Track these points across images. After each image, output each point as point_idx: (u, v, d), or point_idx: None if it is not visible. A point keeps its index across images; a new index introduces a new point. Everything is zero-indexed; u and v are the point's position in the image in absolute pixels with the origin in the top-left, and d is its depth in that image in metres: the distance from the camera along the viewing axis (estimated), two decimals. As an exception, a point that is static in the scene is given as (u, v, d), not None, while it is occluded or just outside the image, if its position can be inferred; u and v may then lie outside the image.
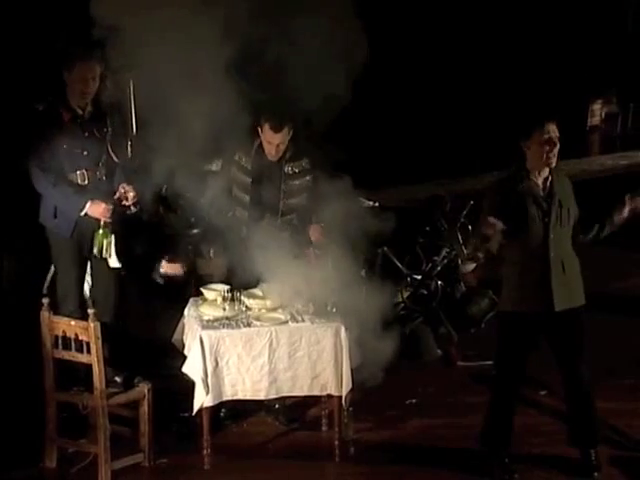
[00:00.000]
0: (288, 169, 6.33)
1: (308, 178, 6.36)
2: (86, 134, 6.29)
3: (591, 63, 12.72)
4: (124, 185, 6.32)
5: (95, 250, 6.25)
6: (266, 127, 6.24)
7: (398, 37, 11.67)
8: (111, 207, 6.24)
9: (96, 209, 6.23)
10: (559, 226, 5.65)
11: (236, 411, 6.38)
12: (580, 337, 5.77)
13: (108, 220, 6.24)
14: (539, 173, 5.66)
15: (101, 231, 6.22)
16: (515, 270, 5.74)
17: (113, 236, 6.26)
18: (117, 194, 6.31)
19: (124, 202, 6.31)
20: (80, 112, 6.26)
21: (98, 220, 6.24)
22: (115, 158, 6.41)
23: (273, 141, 6.26)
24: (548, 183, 5.67)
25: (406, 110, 11.28)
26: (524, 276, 5.69)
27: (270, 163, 6.33)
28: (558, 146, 5.63)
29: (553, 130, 5.62)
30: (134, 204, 6.33)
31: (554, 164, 5.65)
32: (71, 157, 6.27)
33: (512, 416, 5.86)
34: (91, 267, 6.51)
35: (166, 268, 6.81)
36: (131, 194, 6.30)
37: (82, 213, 6.24)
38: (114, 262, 6.30)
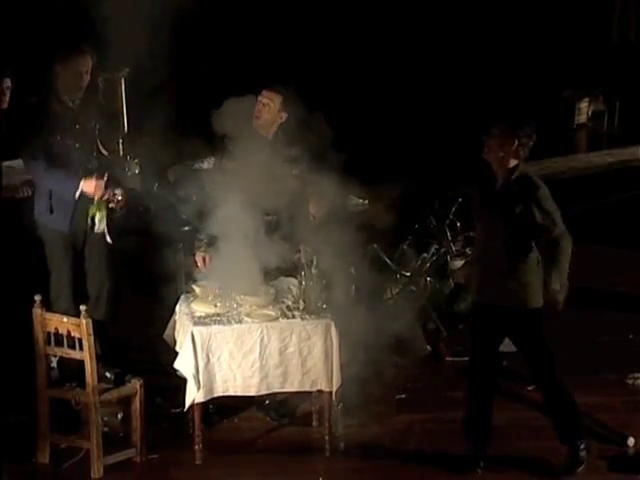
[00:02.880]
0: (278, 152, 6.30)
1: (299, 166, 6.31)
2: (77, 126, 6.31)
3: (578, 63, 12.76)
4: (115, 190, 6.32)
5: (89, 221, 6.22)
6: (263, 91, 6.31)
7: (389, 39, 11.70)
8: (102, 182, 6.21)
9: (89, 185, 6.21)
10: (501, 225, 5.61)
11: (226, 407, 6.38)
12: (532, 340, 5.74)
13: (103, 197, 6.22)
14: (498, 172, 5.65)
15: (95, 204, 6.20)
16: (474, 263, 5.89)
17: (105, 211, 6.24)
18: (105, 196, 6.31)
19: (111, 205, 6.32)
20: (70, 104, 6.28)
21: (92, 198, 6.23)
22: (104, 151, 6.41)
23: (262, 99, 6.28)
24: (504, 183, 5.63)
25: (395, 109, 11.29)
26: (475, 270, 5.82)
27: (260, 144, 6.27)
28: (496, 154, 5.58)
29: (490, 140, 5.60)
30: (121, 207, 6.34)
31: (490, 160, 5.62)
32: (64, 149, 6.27)
33: (487, 410, 5.86)
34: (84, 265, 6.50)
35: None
36: (119, 197, 6.30)
37: (78, 193, 6.23)
38: (107, 236, 6.29)
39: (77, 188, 6.22)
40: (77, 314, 5.82)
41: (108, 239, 6.31)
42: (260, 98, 6.32)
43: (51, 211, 6.33)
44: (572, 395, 5.84)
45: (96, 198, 6.21)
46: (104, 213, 6.23)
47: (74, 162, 6.28)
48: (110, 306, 6.51)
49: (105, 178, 6.22)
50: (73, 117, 6.29)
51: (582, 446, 5.84)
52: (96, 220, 6.22)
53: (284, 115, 6.33)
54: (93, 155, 6.36)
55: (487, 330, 5.80)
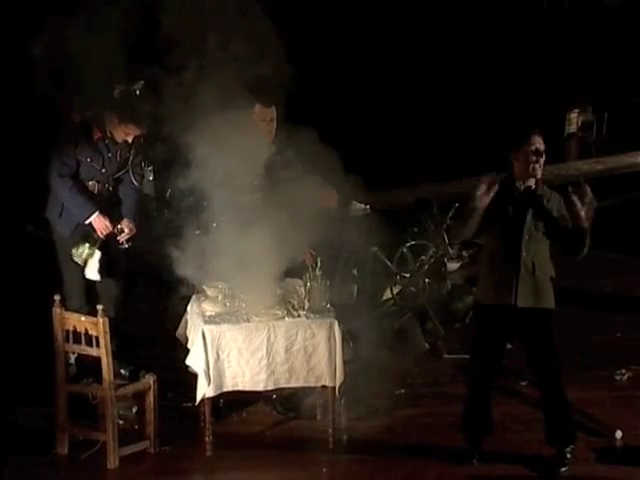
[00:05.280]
0: (277, 157, 6.25)
1: (298, 167, 6.28)
2: (109, 154, 6.32)
3: (569, 75, 12.78)
4: (124, 222, 6.39)
5: (73, 251, 6.24)
6: (257, 107, 6.23)
7: (383, 45, 11.70)
8: (110, 226, 6.28)
9: (99, 223, 6.27)
10: (534, 229, 5.62)
11: (235, 401, 6.38)
12: (547, 339, 5.70)
13: (102, 236, 6.26)
14: (524, 182, 5.65)
15: (87, 244, 6.23)
16: (489, 266, 5.76)
17: (99, 252, 6.27)
18: (115, 229, 6.36)
19: (118, 237, 6.37)
20: (109, 135, 6.29)
21: (100, 234, 6.27)
22: (135, 182, 6.45)
23: (266, 117, 6.25)
24: (531, 189, 5.67)
25: (394, 117, 11.29)
26: (495, 272, 5.71)
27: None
28: (544, 157, 5.63)
29: (539, 142, 5.62)
30: (126, 241, 6.38)
31: (539, 175, 5.64)
32: (90, 170, 6.32)
33: (487, 404, 5.84)
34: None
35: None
36: (126, 231, 6.37)
37: (87, 222, 6.27)
38: (92, 274, 6.32)
39: (88, 217, 6.26)
40: (89, 312, 5.84)
41: (95, 276, 6.32)
42: (265, 115, 6.27)
43: (60, 215, 6.36)
44: (567, 401, 5.79)
45: (96, 236, 6.25)
46: (93, 252, 6.24)
47: (93, 181, 6.32)
48: (120, 305, 6.51)
49: (111, 226, 6.29)
50: (108, 146, 6.31)
51: (569, 449, 5.81)
52: (80, 257, 6.24)
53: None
54: (114, 179, 6.39)
55: (498, 331, 5.73)
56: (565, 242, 5.63)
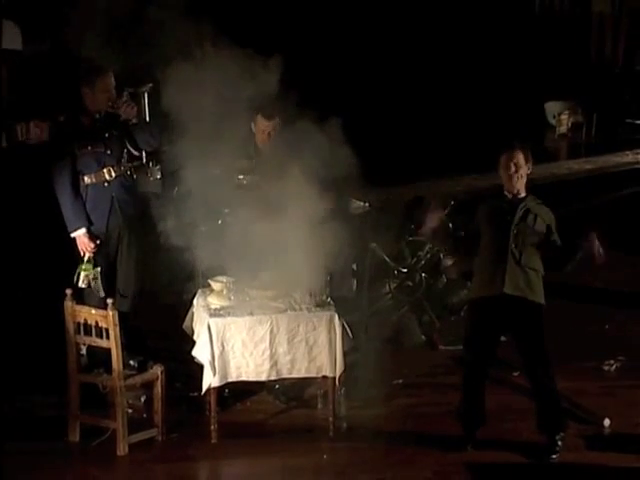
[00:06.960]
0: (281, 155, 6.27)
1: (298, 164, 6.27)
2: (106, 134, 6.30)
3: (560, 79, 12.79)
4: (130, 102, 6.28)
5: (75, 279, 6.20)
6: (259, 117, 6.34)
7: (382, 45, 11.68)
8: (93, 245, 6.21)
9: (79, 240, 6.22)
10: (522, 225, 5.64)
11: (239, 391, 6.39)
12: (537, 333, 5.72)
13: (91, 253, 6.21)
14: (510, 191, 5.71)
15: (84, 264, 6.19)
16: (481, 263, 5.81)
17: (98, 269, 6.21)
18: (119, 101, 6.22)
19: (119, 110, 6.24)
20: (97, 116, 6.28)
21: (82, 253, 6.22)
22: (135, 152, 6.42)
23: (266, 129, 6.35)
24: (519, 196, 5.71)
25: (392, 116, 11.27)
26: (484, 264, 5.76)
27: (264, 152, 6.32)
28: (520, 172, 5.63)
29: (516, 158, 5.62)
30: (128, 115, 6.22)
31: (516, 189, 5.66)
32: (97, 157, 6.27)
33: (481, 394, 5.85)
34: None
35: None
36: (128, 109, 6.23)
37: (72, 235, 6.24)
38: (100, 292, 6.25)
39: (73, 232, 6.21)
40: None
41: (101, 294, 6.22)
42: (264, 127, 6.35)
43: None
44: (556, 393, 5.82)
45: (86, 257, 6.19)
46: (89, 272, 6.18)
47: (106, 167, 6.29)
48: (135, 301, 6.51)
49: (97, 242, 6.23)
50: (101, 127, 6.30)
51: (559, 437, 5.83)
52: (81, 276, 6.19)
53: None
54: (124, 159, 6.37)
55: (489, 323, 5.75)
56: (551, 256, 5.68)
